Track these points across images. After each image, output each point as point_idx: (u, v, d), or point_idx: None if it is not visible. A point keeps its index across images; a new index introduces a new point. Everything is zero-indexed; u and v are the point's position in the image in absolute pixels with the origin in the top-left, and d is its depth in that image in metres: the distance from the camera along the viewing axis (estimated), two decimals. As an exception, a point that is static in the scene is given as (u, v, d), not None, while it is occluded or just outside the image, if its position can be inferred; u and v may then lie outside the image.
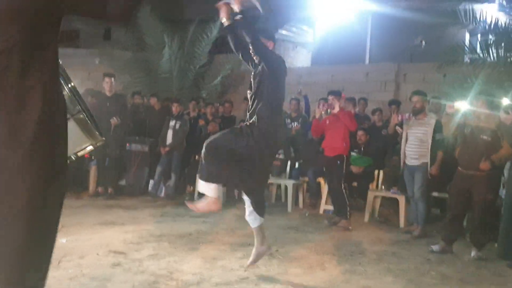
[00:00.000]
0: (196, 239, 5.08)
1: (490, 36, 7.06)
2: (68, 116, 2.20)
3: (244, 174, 3.67)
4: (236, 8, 3.58)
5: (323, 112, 6.35)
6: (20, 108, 1.72)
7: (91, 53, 11.70)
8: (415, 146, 5.87)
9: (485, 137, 4.92)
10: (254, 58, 3.75)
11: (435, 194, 6.33)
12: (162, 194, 7.95)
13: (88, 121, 2.33)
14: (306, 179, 7.61)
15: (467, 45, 7.32)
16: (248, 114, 3.67)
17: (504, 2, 7.09)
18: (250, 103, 3.70)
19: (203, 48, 10.68)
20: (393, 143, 6.98)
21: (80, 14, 1.89)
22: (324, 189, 7.08)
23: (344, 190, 6.10)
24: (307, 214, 6.97)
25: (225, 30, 3.80)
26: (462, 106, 5.60)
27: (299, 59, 13.86)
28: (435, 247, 5.07)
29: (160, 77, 10.79)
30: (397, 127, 6.46)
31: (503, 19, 6.98)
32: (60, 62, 1.95)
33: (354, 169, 7.03)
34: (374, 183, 7.18)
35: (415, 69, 10.06)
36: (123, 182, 8.07)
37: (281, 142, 4.28)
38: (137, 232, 5.19)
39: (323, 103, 6.54)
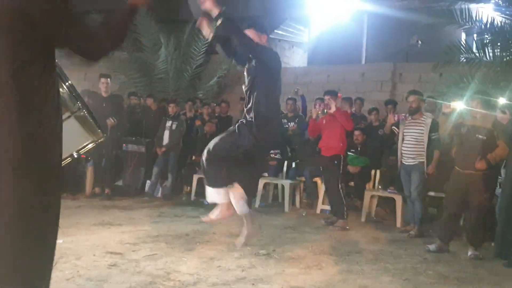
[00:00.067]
0: (193, 239, 5.07)
1: (486, 36, 7.06)
2: (68, 114, 2.21)
3: (247, 169, 3.67)
4: (214, 12, 3.37)
5: (319, 112, 6.36)
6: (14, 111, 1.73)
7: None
8: (411, 146, 5.88)
9: (481, 136, 4.93)
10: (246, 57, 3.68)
11: (431, 193, 6.35)
12: (159, 195, 7.95)
13: (89, 118, 2.33)
14: (303, 179, 7.61)
15: (463, 45, 7.30)
16: (245, 109, 3.63)
17: (500, 2, 7.08)
18: (246, 98, 3.67)
19: (199, 48, 10.67)
20: (390, 143, 6.99)
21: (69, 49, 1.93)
22: (321, 189, 7.08)
23: (341, 190, 6.10)
24: (304, 214, 6.97)
25: (213, 42, 3.71)
26: (459, 105, 5.62)
27: (295, 59, 13.85)
28: (431, 247, 5.08)
29: (156, 77, 10.78)
30: (393, 127, 6.47)
31: (499, 18, 6.97)
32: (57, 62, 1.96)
33: (351, 169, 7.04)
34: (371, 183, 7.19)
35: (411, 69, 10.08)
36: (119, 183, 8.06)
37: (278, 135, 4.27)
38: (134, 233, 5.18)
39: (320, 103, 6.54)
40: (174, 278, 3.68)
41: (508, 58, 6.91)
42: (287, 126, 7.99)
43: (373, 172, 7.18)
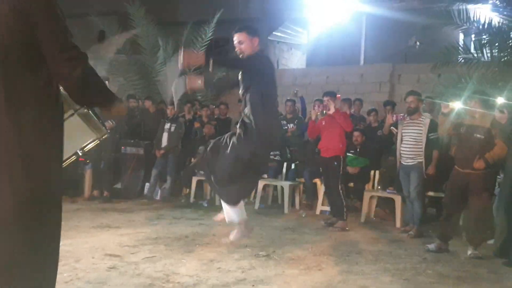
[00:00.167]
0: (193, 241, 5.07)
1: (484, 36, 7.07)
2: (71, 111, 2.21)
3: (252, 175, 3.75)
4: (200, 64, 3.52)
5: (318, 113, 6.36)
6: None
7: (86, 56, 11.65)
8: (410, 146, 5.88)
9: (479, 135, 4.94)
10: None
11: (431, 193, 6.35)
12: (158, 197, 7.93)
13: (92, 115, 2.33)
14: (303, 180, 7.60)
15: (461, 46, 7.31)
16: (243, 114, 3.64)
17: (498, 2, 7.09)
18: (243, 101, 3.69)
19: (198, 50, 10.67)
20: (389, 143, 6.99)
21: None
22: (321, 190, 7.08)
23: (340, 191, 6.10)
24: (303, 215, 6.96)
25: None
26: (457, 105, 5.62)
27: (293, 60, 13.88)
28: (431, 246, 5.08)
29: (154, 80, 10.78)
30: (392, 128, 6.48)
31: (496, 19, 6.98)
32: None
33: (350, 169, 7.04)
34: (370, 184, 7.18)
35: (409, 69, 10.10)
36: (118, 185, 8.04)
37: (278, 138, 4.31)
38: (133, 235, 5.17)
39: (319, 104, 6.54)
40: (173, 280, 3.68)
41: (506, 58, 6.92)
42: (286, 127, 7.99)
43: (372, 172, 7.17)
